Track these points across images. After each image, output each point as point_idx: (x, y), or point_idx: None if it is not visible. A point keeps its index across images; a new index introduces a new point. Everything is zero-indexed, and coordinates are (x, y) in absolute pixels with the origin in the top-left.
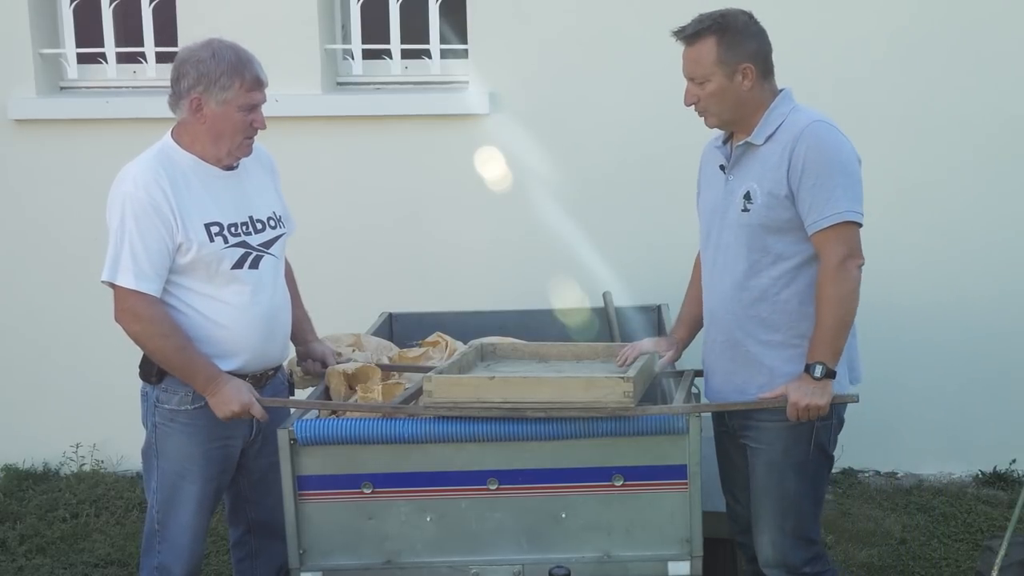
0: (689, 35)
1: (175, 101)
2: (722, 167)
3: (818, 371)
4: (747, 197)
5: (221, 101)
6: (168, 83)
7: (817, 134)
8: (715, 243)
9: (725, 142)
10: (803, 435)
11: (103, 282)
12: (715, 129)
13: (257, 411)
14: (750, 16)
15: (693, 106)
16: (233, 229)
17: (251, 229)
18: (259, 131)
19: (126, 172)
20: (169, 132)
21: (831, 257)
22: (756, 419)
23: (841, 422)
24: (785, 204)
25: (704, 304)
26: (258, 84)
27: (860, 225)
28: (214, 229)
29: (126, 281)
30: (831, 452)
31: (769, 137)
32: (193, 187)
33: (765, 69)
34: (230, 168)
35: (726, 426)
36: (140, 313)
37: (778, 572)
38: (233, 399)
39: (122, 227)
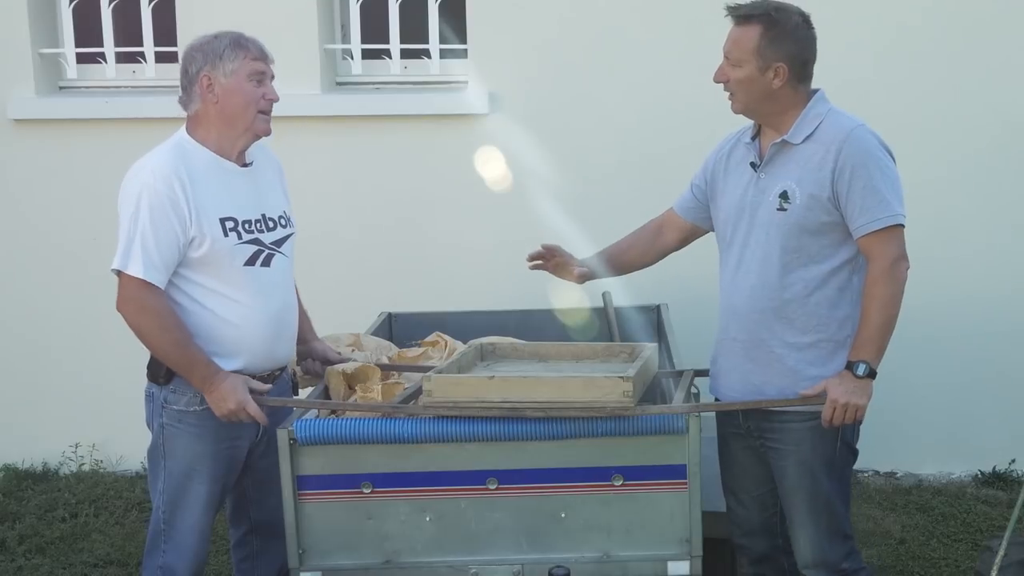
0: (739, 16)
1: (187, 92)
2: (753, 164)
3: (861, 369)
4: (784, 196)
5: (229, 72)
6: (168, 84)
7: (863, 139)
8: (742, 241)
9: (754, 138)
10: (829, 432)
11: (112, 270)
12: (739, 116)
13: (252, 409)
14: (805, 19)
15: (722, 85)
16: (247, 225)
17: (264, 227)
18: (274, 104)
19: (143, 163)
20: (183, 128)
21: (884, 258)
22: (779, 420)
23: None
24: (826, 207)
25: (722, 302)
26: (263, 55)
27: (904, 226)
28: (229, 224)
29: (136, 270)
30: (855, 447)
31: (808, 137)
32: (209, 181)
33: (801, 74)
34: (245, 165)
35: (737, 427)
36: (144, 304)
37: (818, 571)
38: (229, 396)
39: (136, 217)
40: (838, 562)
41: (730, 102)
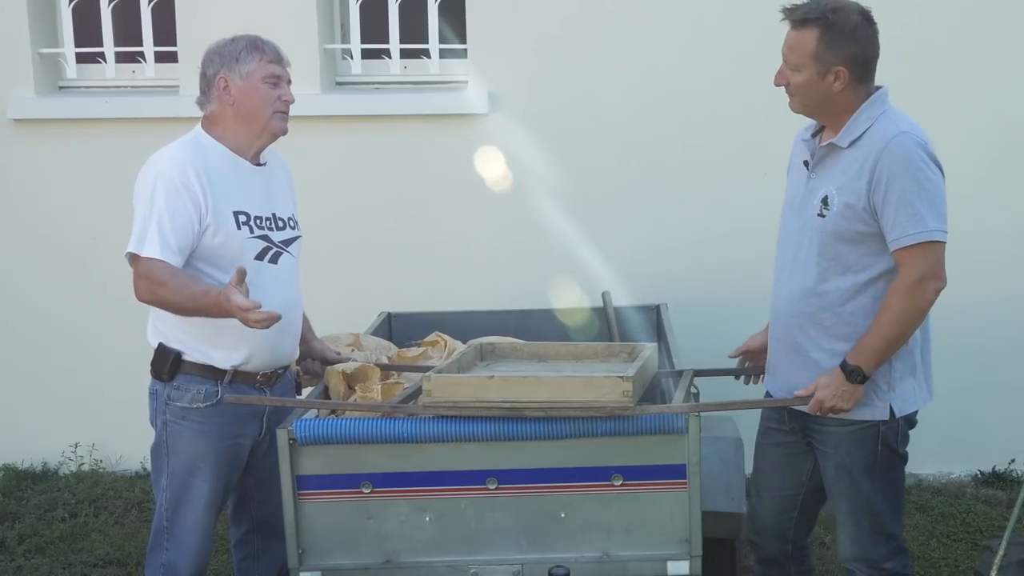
0: (795, 20)
1: (204, 94)
2: (806, 163)
3: (854, 375)
4: (824, 202)
5: (245, 74)
6: (168, 84)
7: (903, 147)
8: (785, 241)
9: (815, 135)
10: (868, 437)
11: (127, 254)
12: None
13: (238, 300)
14: (864, 17)
15: (783, 87)
16: (259, 221)
17: (273, 225)
18: (290, 105)
19: (159, 154)
20: (199, 125)
21: (910, 274)
22: (819, 422)
23: (911, 423)
24: (862, 216)
25: (771, 300)
26: (279, 58)
27: (944, 243)
28: (241, 218)
29: (152, 251)
30: (902, 451)
31: (854, 142)
32: (224, 175)
33: (862, 74)
34: (259, 164)
35: (782, 424)
36: (155, 277)
37: (859, 566)
38: (232, 309)
39: (152, 202)
40: (880, 560)
41: (789, 102)
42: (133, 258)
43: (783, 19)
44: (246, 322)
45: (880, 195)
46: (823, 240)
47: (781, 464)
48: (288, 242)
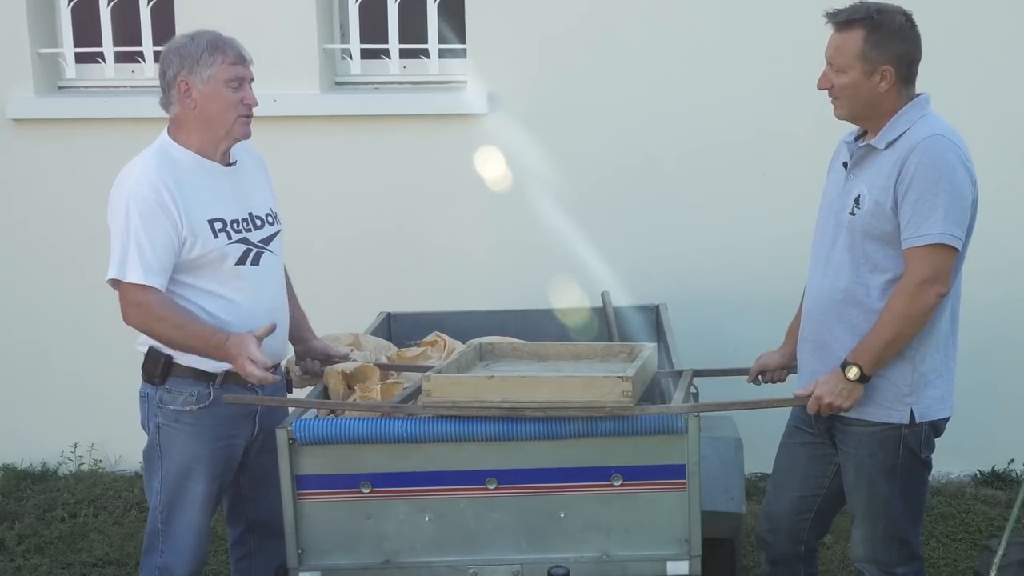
0: (840, 21)
1: (166, 95)
2: (845, 164)
3: (853, 372)
4: (857, 201)
5: (206, 79)
6: None
7: (933, 149)
8: (822, 241)
9: (858, 138)
10: (889, 440)
11: (109, 281)
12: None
13: (257, 357)
14: (908, 18)
15: (827, 91)
16: (235, 225)
17: (251, 225)
18: (254, 109)
19: (128, 172)
20: (165, 131)
21: (914, 275)
22: (843, 422)
23: (936, 431)
24: (889, 215)
25: (804, 299)
26: (241, 59)
27: (956, 250)
28: (217, 225)
29: (135, 277)
30: (925, 457)
31: (891, 143)
32: (195, 183)
33: (907, 75)
34: (229, 164)
35: (809, 425)
36: (140, 302)
37: (869, 567)
38: (240, 354)
39: (127, 225)
40: (890, 564)
41: (833, 107)
42: (116, 283)
43: (827, 23)
44: (244, 373)
45: (902, 193)
46: (852, 238)
47: (803, 465)
48: (268, 239)
